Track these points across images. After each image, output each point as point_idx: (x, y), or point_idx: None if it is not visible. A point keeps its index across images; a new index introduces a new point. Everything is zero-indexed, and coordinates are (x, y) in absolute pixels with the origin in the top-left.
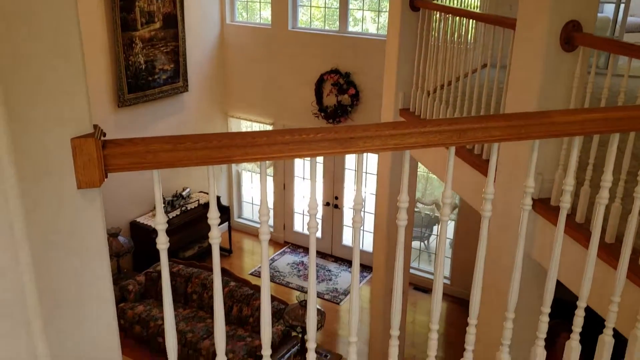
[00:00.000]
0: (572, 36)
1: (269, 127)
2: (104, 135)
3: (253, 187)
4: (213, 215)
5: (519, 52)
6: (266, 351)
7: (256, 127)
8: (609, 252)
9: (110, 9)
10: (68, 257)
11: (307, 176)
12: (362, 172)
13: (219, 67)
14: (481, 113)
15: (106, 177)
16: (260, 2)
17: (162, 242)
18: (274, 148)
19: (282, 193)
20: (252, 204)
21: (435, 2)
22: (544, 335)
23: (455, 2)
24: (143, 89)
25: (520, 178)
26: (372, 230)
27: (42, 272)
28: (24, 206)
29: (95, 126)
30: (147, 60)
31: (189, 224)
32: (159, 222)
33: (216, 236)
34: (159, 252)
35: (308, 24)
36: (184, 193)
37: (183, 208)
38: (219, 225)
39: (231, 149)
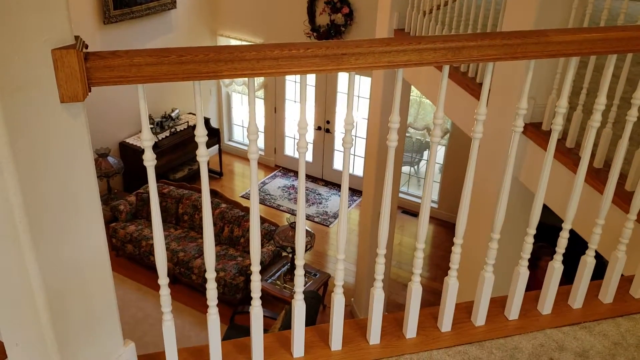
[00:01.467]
0: None
1: None
2: (86, 47)
3: (243, 109)
4: (200, 133)
5: None
6: (255, 267)
7: None
8: (596, 177)
9: None
10: (54, 173)
11: (298, 99)
12: (354, 95)
13: None
14: None
15: (89, 91)
16: None
17: (149, 159)
18: (263, 63)
19: (273, 116)
20: (243, 126)
21: None
22: (528, 256)
23: None
24: (129, 5)
25: (513, 102)
26: (363, 155)
27: (28, 189)
28: (6, 121)
29: (76, 37)
30: None
31: (179, 146)
32: (145, 138)
33: (203, 154)
34: (147, 170)
35: None
36: (172, 114)
37: (172, 129)
38: (209, 148)
39: (218, 63)
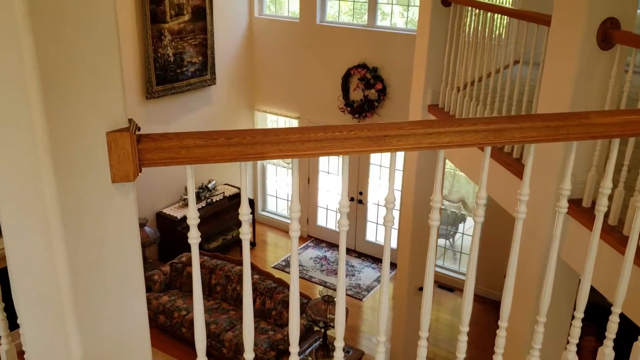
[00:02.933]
0: (609, 34)
1: (295, 122)
2: (139, 129)
3: (277, 181)
4: (244, 212)
5: (553, 50)
6: (293, 348)
7: (282, 121)
8: None
9: (140, 1)
10: (101, 250)
11: (331, 170)
12: (382, 166)
13: (246, 60)
14: (512, 111)
15: (140, 171)
16: None
17: (194, 237)
18: (307, 145)
19: (307, 187)
20: (276, 197)
21: None
22: (576, 341)
23: None
24: (171, 82)
25: (551, 179)
26: (395, 226)
27: (76, 264)
28: (60, 198)
29: (130, 120)
30: (176, 52)
31: (214, 216)
32: (192, 217)
33: (246, 232)
34: (190, 246)
35: (336, 17)
36: (209, 185)
37: (209, 200)
38: None
39: (264, 145)
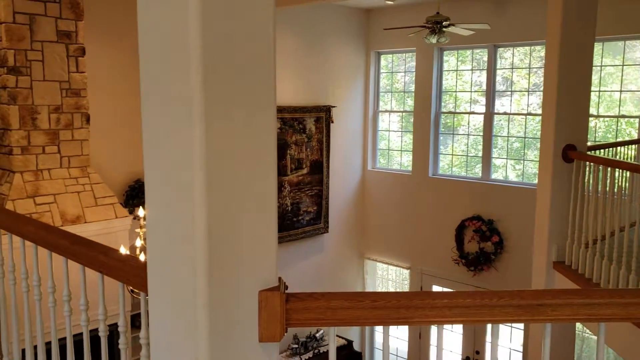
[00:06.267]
0: None
1: (406, 272)
2: (286, 288)
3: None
4: None
5: None
6: None
7: (392, 270)
8: None
9: None
10: None
11: (446, 326)
12: (509, 327)
13: (358, 209)
14: None
15: (286, 331)
16: (401, 150)
17: None
18: (454, 311)
19: (418, 342)
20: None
21: (590, 153)
22: None
23: (610, 152)
24: (287, 229)
25: None
26: None
27: None
28: (210, 356)
29: (279, 279)
30: (293, 202)
31: None
32: None
33: None
34: None
35: (448, 170)
36: (317, 335)
37: (316, 351)
38: None
39: (409, 309)
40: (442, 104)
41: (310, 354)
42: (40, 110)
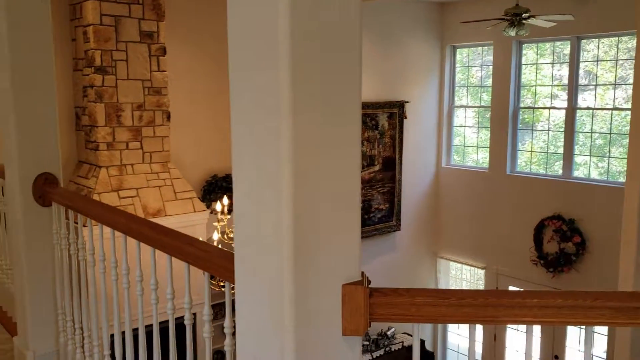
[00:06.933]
0: None
1: (481, 272)
2: (369, 282)
3: (460, 334)
4: None
5: None
6: None
7: (466, 270)
8: None
9: None
10: None
11: (521, 328)
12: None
13: (431, 207)
14: None
15: (369, 326)
16: (477, 147)
17: None
18: (545, 312)
19: (492, 344)
20: (458, 352)
21: None
22: None
23: None
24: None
25: None
26: None
27: None
28: (296, 349)
29: (362, 274)
30: (365, 199)
31: None
32: None
33: None
34: None
35: (526, 167)
36: (388, 333)
37: (387, 349)
38: None
39: (498, 308)
40: (521, 99)
41: (381, 352)
42: (124, 107)
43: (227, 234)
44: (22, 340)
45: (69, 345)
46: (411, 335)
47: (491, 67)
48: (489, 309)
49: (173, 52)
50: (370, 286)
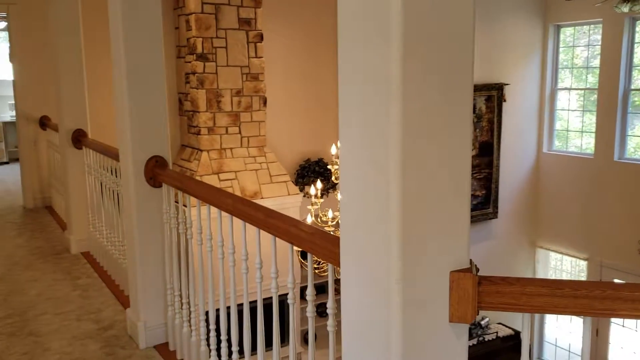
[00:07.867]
0: None
1: (583, 262)
2: (478, 270)
3: (558, 327)
4: None
5: None
6: None
7: (567, 260)
8: None
9: None
10: None
11: (626, 324)
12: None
13: (530, 195)
14: None
15: (477, 314)
16: (582, 131)
17: None
18: None
19: (594, 339)
20: (555, 345)
21: None
22: None
23: None
24: None
25: None
26: None
27: None
28: (403, 332)
29: (471, 261)
30: None
31: (485, 357)
32: None
33: None
34: None
35: (636, 154)
36: (482, 322)
37: (480, 338)
38: None
39: (616, 301)
40: (632, 80)
41: (474, 341)
42: (224, 93)
43: (320, 217)
44: (134, 312)
45: (177, 319)
46: (507, 327)
47: (598, 47)
48: (606, 302)
49: (269, 38)
50: (478, 274)
